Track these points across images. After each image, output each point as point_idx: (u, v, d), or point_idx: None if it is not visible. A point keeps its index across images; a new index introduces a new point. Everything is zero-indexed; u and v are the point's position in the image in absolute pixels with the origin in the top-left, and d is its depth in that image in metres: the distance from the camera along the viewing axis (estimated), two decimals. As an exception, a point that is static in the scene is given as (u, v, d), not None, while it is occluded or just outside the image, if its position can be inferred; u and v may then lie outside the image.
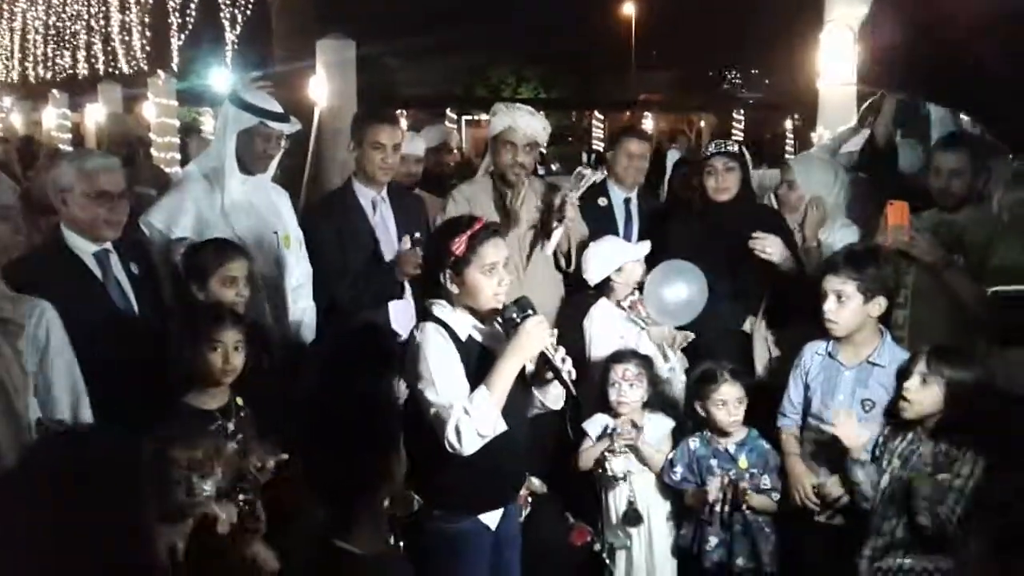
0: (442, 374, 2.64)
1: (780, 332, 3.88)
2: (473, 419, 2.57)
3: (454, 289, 2.74)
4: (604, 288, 3.97)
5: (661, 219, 4.41)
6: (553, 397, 2.88)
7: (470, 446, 2.59)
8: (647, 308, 3.84)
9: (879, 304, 3.25)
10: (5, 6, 19.50)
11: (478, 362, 2.73)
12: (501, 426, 2.64)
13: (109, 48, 19.62)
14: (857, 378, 3.28)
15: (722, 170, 3.97)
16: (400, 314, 3.88)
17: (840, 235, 3.89)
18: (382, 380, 3.17)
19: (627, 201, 4.54)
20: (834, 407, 3.26)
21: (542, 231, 4.04)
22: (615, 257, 3.92)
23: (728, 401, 3.43)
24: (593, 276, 3.93)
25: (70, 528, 1.56)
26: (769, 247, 3.73)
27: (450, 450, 2.60)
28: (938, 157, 3.69)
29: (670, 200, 5.32)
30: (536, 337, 2.67)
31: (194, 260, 3.35)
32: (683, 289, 3.75)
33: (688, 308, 3.76)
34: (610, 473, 3.52)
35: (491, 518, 2.85)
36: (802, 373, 3.41)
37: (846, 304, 3.22)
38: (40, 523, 1.55)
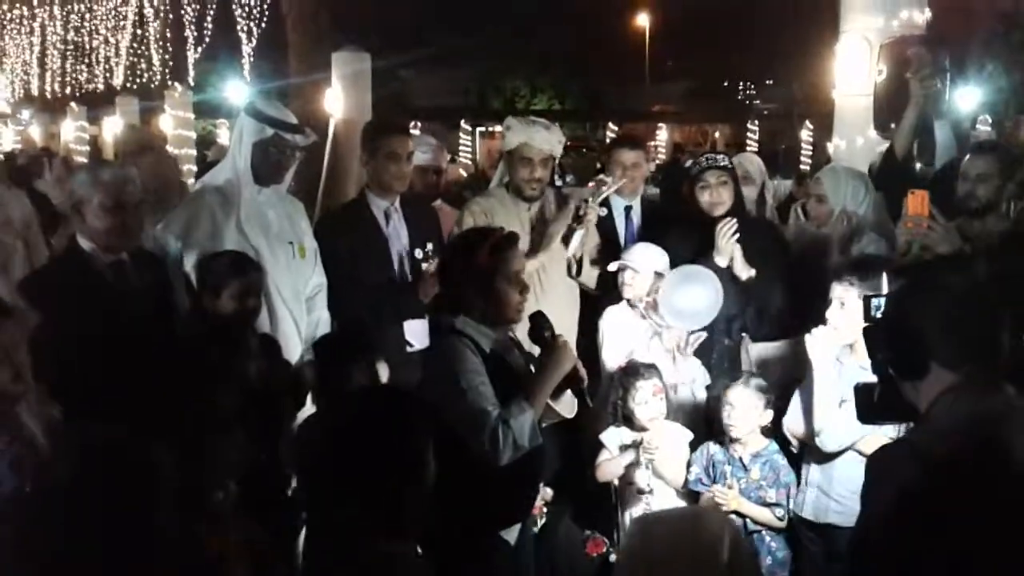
0: (474, 386, 2.64)
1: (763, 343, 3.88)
2: (514, 430, 2.59)
3: (477, 302, 2.74)
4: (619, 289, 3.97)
5: (666, 227, 4.37)
6: (567, 406, 2.88)
7: (506, 456, 2.60)
8: (660, 311, 3.82)
9: None
10: (25, 21, 19.74)
11: (500, 375, 2.73)
12: (537, 439, 2.65)
13: (127, 62, 19.78)
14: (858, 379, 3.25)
15: (716, 184, 3.95)
16: (417, 329, 3.88)
17: (869, 251, 3.86)
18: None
19: (628, 209, 4.50)
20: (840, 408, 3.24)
21: (562, 239, 4.04)
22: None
23: (746, 405, 3.42)
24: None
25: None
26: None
27: (486, 460, 2.59)
28: (967, 162, 3.69)
29: (678, 208, 5.28)
30: (571, 355, 2.70)
31: (207, 272, 3.37)
32: (697, 293, 3.72)
33: (701, 313, 3.74)
34: (638, 486, 3.51)
35: (511, 533, 2.84)
36: (811, 374, 3.34)
37: (849, 311, 3.20)
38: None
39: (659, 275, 3.84)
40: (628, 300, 3.92)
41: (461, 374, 2.65)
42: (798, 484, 3.42)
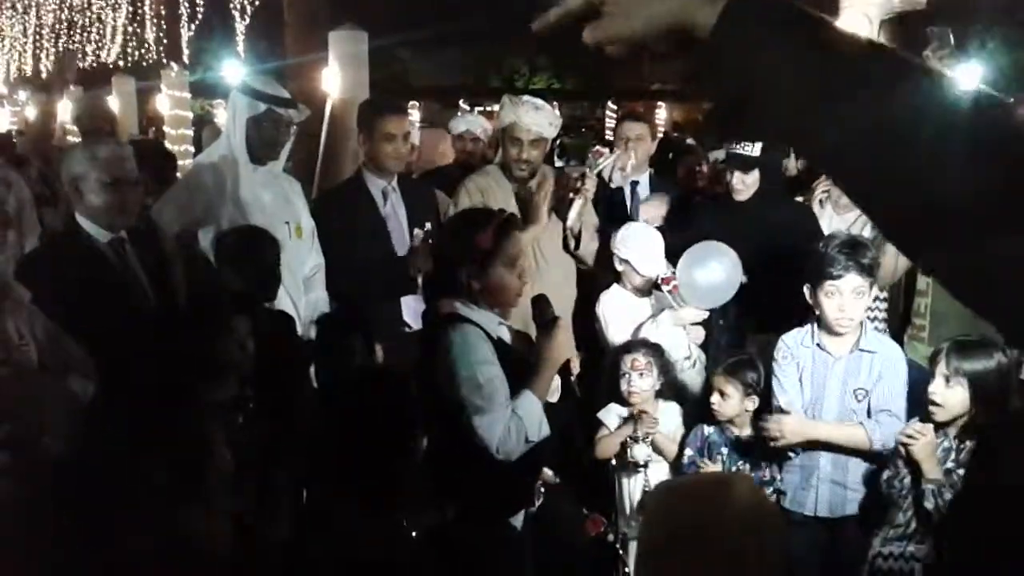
0: (485, 377, 2.59)
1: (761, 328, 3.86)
2: (525, 425, 2.56)
3: (476, 285, 2.68)
4: (619, 274, 3.95)
5: (674, 206, 4.38)
6: (552, 391, 2.87)
7: (518, 451, 2.58)
8: (680, 290, 3.76)
9: (875, 293, 3.28)
10: (19, 2, 19.61)
11: (507, 362, 2.69)
12: (546, 430, 2.62)
13: (123, 41, 19.66)
14: (848, 368, 3.24)
15: (741, 172, 3.92)
16: (413, 307, 3.88)
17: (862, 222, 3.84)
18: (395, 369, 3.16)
19: (634, 184, 4.49)
20: (826, 398, 3.23)
21: (559, 213, 4.01)
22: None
23: (724, 392, 3.41)
24: (648, 270, 3.86)
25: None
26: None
27: (496, 455, 2.57)
28: None
29: (681, 190, 5.27)
30: (570, 340, 2.66)
31: (226, 247, 3.36)
32: (715, 269, 3.69)
33: (721, 291, 3.71)
34: (632, 460, 3.51)
35: (518, 519, 2.84)
36: (793, 365, 3.32)
37: (862, 298, 3.20)
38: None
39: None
40: (622, 282, 3.92)
41: (477, 366, 2.59)
42: (804, 486, 3.31)
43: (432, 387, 2.66)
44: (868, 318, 3.44)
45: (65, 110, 15.32)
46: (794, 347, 3.34)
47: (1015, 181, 0.73)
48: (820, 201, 4.19)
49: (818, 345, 3.28)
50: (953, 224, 0.76)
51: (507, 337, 2.77)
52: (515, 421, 2.55)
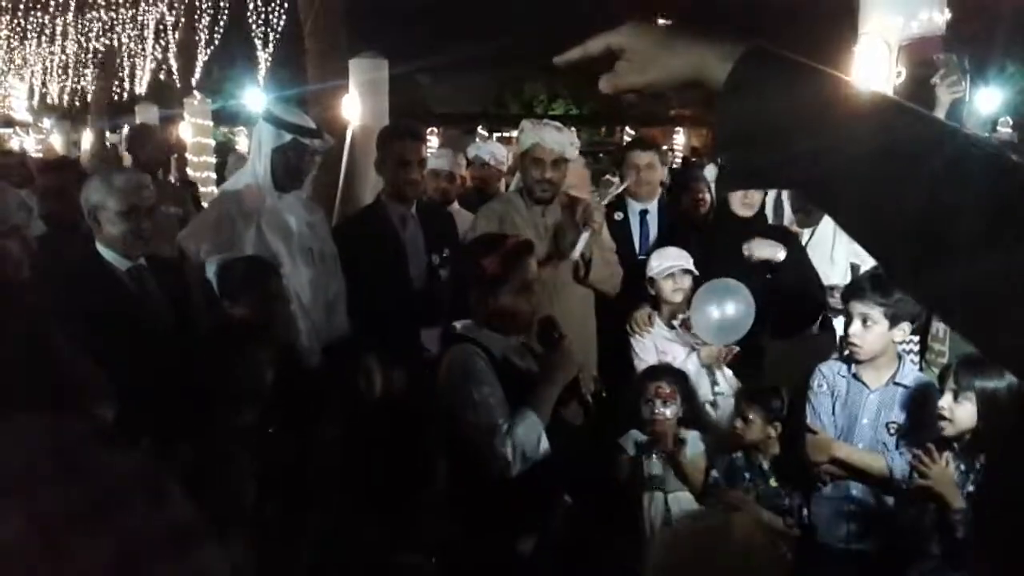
0: (485, 396, 2.62)
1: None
2: (523, 442, 2.57)
3: (485, 308, 2.72)
4: (652, 302, 3.94)
5: (679, 231, 4.37)
6: (570, 413, 2.87)
7: (516, 469, 2.59)
8: (694, 329, 3.77)
9: (903, 330, 3.22)
10: (45, 30, 19.94)
11: (511, 382, 2.71)
12: (546, 448, 2.62)
13: (147, 70, 19.92)
14: (882, 400, 3.23)
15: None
16: (432, 334, 3.88)
17: None
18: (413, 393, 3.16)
19: (643, 213, 4.47)
20: (858, 428, 3.22)
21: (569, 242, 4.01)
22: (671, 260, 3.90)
23: (747, 417, 3.39)
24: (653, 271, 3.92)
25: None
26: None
27: (496, 473, 2.58)
28: None
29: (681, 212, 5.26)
30: (575, 359, 2.67)
31: (227, 277, 3.38)
32: (729, 308, 3.68)
33: (734, 327, 3.70)
34: (647, 474, 3.49)
35: (527, 541, 2.82)
36: (828, 394, 3.32)
37: (872, 329, 3.18)
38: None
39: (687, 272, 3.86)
40: (660, 318, 3.90)
41: (473, 386, 2.63)
42: (836, 519, 3.29)
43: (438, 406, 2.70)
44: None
45: (88, 139, 15.49)
46: (830, 376, 3.35)
47: (1004, 216, 0.77)
48: None
49: (854, 376, 3.29)
50: (950, 259, 0.79)
51: (514, 358, 2.77)
52: (512, 438, 2.57)
